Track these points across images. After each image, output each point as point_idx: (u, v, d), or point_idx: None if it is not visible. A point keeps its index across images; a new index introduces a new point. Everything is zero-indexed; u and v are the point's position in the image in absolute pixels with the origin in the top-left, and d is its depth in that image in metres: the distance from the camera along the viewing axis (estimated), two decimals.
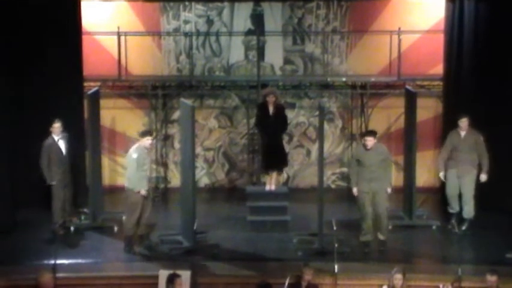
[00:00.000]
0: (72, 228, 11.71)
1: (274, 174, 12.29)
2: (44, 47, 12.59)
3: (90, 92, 12.09)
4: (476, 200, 11.92)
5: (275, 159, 12.18)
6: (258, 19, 13.99)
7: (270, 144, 12.11)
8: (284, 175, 13.90)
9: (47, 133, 11.63)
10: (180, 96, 13.42)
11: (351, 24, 14.05)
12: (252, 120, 13.32)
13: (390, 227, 11.65)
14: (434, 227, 11.88)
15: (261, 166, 12.81)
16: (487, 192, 11.92)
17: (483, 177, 11.63)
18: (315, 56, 14.17)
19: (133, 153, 10.90)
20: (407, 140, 12.17)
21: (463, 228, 11.66)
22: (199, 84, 14.08)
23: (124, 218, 11.23)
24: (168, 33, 14.12)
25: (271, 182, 12.27)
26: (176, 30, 14.12)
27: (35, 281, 8.78)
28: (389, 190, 10.97)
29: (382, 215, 10.91)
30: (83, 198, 12.31)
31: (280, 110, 12.16)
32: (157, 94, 14.02)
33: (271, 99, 12.01)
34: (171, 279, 8.82)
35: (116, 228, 11.74)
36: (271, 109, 12.03)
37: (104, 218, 12.14)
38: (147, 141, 10.94)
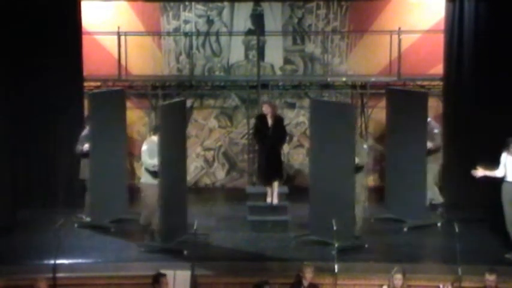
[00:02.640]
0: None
1: (274, 187, 12.21)
2: (44, 46, 12.59)
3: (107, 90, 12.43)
4: (476, 200, 12.06)
5: (272, 172, 12.14)
6: (258, 19, 13.99)
7: (268, 157, 12.08)
8: (284, 175, 13.88)
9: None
10: (180, 96, 13.42)
11: (351, 24, 14.05)
12: (252, 120, 13.32)
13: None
14: (434, 227, 11.88)
15: (257, 177, 12.82)
16: (488, 192, 11.90)
17: None
18: (315, 56, 14.18)
19: (143, 145, 11.03)
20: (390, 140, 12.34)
21: (438, 212, 12.10)
22: (199, 84, 14.09)
23: (143, 214, 11.15)
24: (168, 33, 14.12)
25: (273, 195, 12.19)
26: (176, 30, 14.12)
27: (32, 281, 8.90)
28: None
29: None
30: (83, 198, 12.30)
31: (279, 122, 12.17)
32: (157, 94, 14.02)
33: (267, 110, 12.02)
34: (157, 279, 8.85)
35: (113, 228, 11.73)
36: (270, 121, 12.03)
37: (105, 217, 12.11)
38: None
